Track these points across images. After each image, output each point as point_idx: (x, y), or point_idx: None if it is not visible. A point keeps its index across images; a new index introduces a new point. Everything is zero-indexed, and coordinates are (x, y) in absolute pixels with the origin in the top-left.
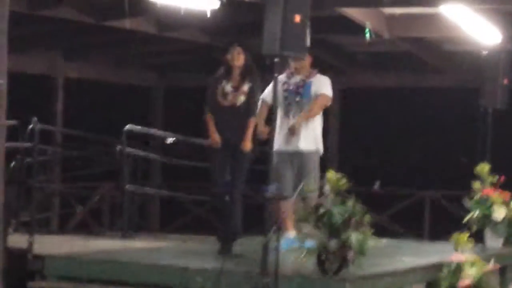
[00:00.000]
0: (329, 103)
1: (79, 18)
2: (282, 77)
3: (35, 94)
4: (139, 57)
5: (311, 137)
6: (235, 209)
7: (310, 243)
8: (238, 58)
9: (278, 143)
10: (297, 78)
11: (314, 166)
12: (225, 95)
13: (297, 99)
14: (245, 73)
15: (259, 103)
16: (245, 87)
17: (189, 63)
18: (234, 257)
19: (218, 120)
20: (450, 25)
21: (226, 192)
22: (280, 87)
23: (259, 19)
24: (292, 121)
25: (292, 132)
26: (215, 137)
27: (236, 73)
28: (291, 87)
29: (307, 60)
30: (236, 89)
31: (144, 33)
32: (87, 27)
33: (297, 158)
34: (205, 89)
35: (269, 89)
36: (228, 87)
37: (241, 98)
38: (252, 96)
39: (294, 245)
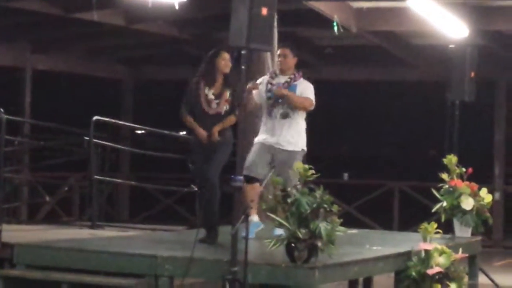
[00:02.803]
0: (311, 107)
1: (47, 10)
2: (265, 78)
3: (2, 86)
4: (108, 50)
5: (295, 138)
6: (213, 197)
7: (279, 231)
8: (229, 66)
9: (261, 137)
10: (281, 79)
11: (292, 165)
12: (209, 102)
13: (280, 100)
14: (226, 78)
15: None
16: (227, 94)
17: (158, 55)
18: (204, 245)
19: (199, 125)
20: (417, 19)
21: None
22: (263, 87)
23: (227, 12)
24: (275, 121)
25: (278, 91)
26: (201, 132)
27: (220, 78)
28: (274, 87)
29: (292, 61)
30: (219, 96)
31: (112, 26)
32: (55, 19)
33: (281, 154)
34: (175, 81)
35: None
36: (211, 94)
37: (225, 107)
38: (233, 102)
39: (258, 228)
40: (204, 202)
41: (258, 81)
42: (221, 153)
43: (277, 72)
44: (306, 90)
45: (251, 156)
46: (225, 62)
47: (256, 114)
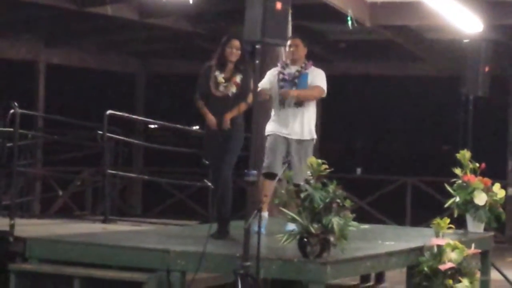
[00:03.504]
0: (323, 95)
1: (61, 4)
2: (276, 68)
3: (17, 80)
4: (121, 44)
5: (306, 127)
6: (226, 190)
7: (291, 226)
8: (236, 54)
9: (274, 127)
10: (292, 69)
11: (308, 154)
12: (217, 85)
13: (293, 89)
14: (238, 65)
15: (258, 90)
16: (237, 78)
17: (171, 50)
18: (216, 240)
19: (209, 109)
20: (431, 14)
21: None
22: (274, 78)
23: (241, 6)
24: (292, 112)
25: (285, 94)
26: (211, 118)
27: (231, 65)
28: (286, 77)
29: (303, 51)
30: (228, 80)
31: (126, 20)
32: (69, 13)
33: (295, 145)
34: (187, 76)
35: (266, 77)
36: (221, 78)
37: (233, 89)
38: (244, 87)
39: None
40: (217, 197)
41: (269, 72)
42: (234, 143)
43: (288, 62)
44: (316, 77)
45: (269, 154)
46: (230, 50)
47: (268, 106)
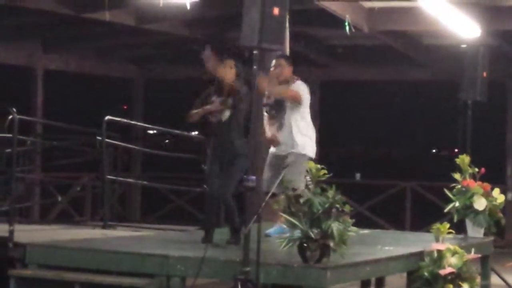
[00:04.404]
0: (298, 99)
1: (59, 10)
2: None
3: (15, 86)
4: (119, 49)
5: (291, 140)
6: (229, 208)
7: (271, 230)
8: (230, 73)
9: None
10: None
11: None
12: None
13: (274, 112)
14: (235, 86)
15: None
16: (230, 100)
17: (169, 55)
18: (216, 246)
19: (211, 134)
20: (429, 19)
21: (218, 194)
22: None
23: (238, 12)
24: (273, 130)
25: (261, 88)
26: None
27: (227, 86)
28: (270, 101)
29: (288, 70)
30: (225, 103)
31: (123, 26)
32: (67, 19)
33: (283, 160)
34: (186, 81)
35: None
36: (217, 103)
37: (227, 113)
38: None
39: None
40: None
41: None
42: (237, 168)
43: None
44: (296, 89)
45: (266, 174)
46: (224, 70)
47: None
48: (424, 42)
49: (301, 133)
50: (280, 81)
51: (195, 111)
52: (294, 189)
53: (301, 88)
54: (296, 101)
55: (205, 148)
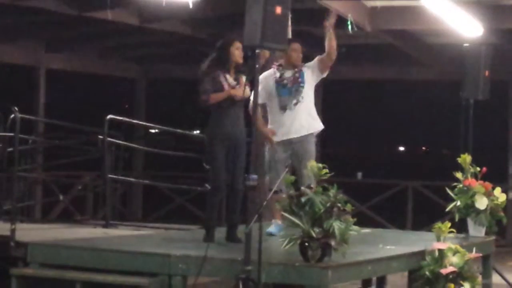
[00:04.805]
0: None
1: (62, 9)
2: (270, 73)
3: (17, 85)
4: (121, 49)
5: (305, 122)
6: (238, 200)
7: (272, 228)
8: (241, 55)
9: (277, 134)
10: (289, 73)
11: (307, 151)
12: (233, 88)
13: (299, 88)
14: (238, 66)
15: (250, 104)
16: (243, 79)
17: (171, 54)
18: (217, 244)
19: (225, 115)
20: (431, 18)
21: (227, 185)
22: (271, 83)
23: (241, 11)
24: (291, 113)
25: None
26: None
27: (232, 66)
28: (287, 83)
29: (299, 57)
30: (237, 81)
31: (126, 25)
32: (70, 18)
33: (296, 143)
34: (188, 81)
35: (261, 85)
36: (232, 80)
37: (248, 90)
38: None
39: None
40: (228, 207)
41: (262, 79)
42: (243, 156)
43: (283, 65)
44: (311, 61)
45: (270, 168)
46: (238, 51)
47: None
48: (426, 41)
49: (314, 111)
50: (292, 64)
51: (217, 94)
52: (310, 186)
53: (315, 60)
54: (332, 55)
55: (210, 130)
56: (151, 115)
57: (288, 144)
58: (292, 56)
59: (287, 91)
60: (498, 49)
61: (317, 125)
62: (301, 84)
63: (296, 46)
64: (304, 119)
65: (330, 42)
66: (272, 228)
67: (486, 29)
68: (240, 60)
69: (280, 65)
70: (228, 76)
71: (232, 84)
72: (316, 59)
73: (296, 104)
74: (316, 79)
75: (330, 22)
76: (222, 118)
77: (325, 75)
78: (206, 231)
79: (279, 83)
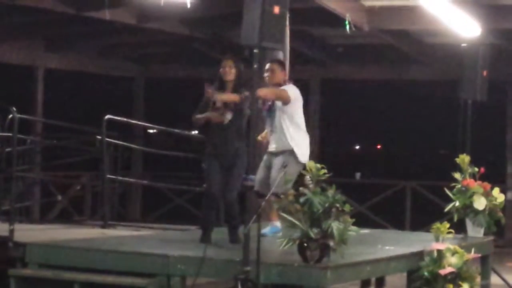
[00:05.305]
0: (283, 97)
1: (60, 8)
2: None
3: (15, 84)
4: (120, 48)
5: (283, 140)
6: (231, 208)
7: (267, 229)
8: (230, 73)
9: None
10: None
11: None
12: (215, 110)
13: (271, 115)
14: (238, 87)
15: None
16: (245, 93)
17: (169, 54)
18: (216, 245)
19: (212, 133)
20: (430, 18)
21: (219, 192)
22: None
23: (239, 10)
24: (272, 131)
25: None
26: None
27: (229, 86)
28: (266, 107)
29: (281, 75)
30: (226, 105)
31: (124, 24)
32: (68, 17)
33: (271, 157)
34: (186, 80)
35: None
36: (218, 103)
37: (229, 116)
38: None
39: (279, 232)
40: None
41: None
42: (239, 171)
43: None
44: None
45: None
46: (223, 70)
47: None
48: (424, 41)
49: (291, 137)
50: (273, 85)
51: (199, 116)
52: (276, 195)
53: (290, 87)
54: (282, 99)
55: (205, 147)
56: (150, 115)
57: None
58: (268, 77)
59: (266, 113)
60: (496, 49)
61: (283, 145)
62: (273, 112)
63: (270, 66)
64: (281, 139)
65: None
66: (265, 229)
67: (484, 29)
68: (229, 78)
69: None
70: (217, 96)
71: (217, 107)
72: None
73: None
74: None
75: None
76: (210, 138)
77: None
78: (203, 232)
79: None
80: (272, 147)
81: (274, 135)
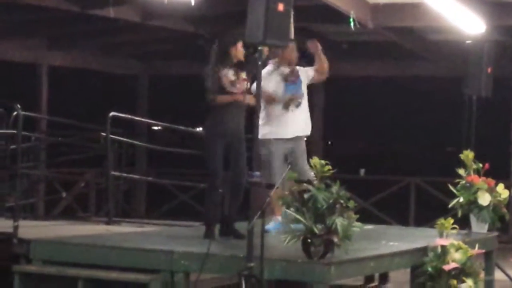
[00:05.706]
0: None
1: (64, 6)
2: (270, 70)
3: (20, 82)
4: (124, 46)
5: (305, 125)
6: (239, 194)
7: (271, 225)
8: (242, 52)
9: (272, 131)
10: (285, 70)
11: (303, 150)
12: (232, 83)
13: (300, 85)
14: (240, 64)
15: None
16: (243, 75)
17: (173, 51)
18: (220, 241)
19: (224, 110)
20: (434, 15)
21: (223, 182)
22: (278, 78)
23: (243, 8)
24: (290, 112)
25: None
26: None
27: (234, 64)
28: (293, 79)
29: (294, 55)
30: (238, 77)
31: (128, 22)
32: (72, 15)
33: (298, 142)
34: (190, 77)
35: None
36: (231, 75)
37: (246, 85)
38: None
39: (280, 228)
40: (230, 199)
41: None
42: (244, 153)
43: (278, 63)
44: (306, 68)
45: (268, 164)
46: (241, 50)
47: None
48: (428, 38)
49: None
50: (289, 62)
51: (225, 96)
52: (309, 181)
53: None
54: (325, 70)
55: (209, 126)
56: (154, 112)
57: (290, 143)
58: (291, 55)
59: (293, 87)
60: (500, 45)
61: (309, 129)
62: (298, 85)
63: (293, 45)
64: (306, 122)
65: (322, 64)
66: (269, 225)
67: (489, 25)
68: (242, 58)
69: (276, 64)
70: (229, 71)
71: (231, 79)
72: (312, 68)
73: (298, 105)
74: (305, 83)
75: (315, 45)
76: (222, 115)
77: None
78: (206, 227)
79: (286, 82)
80: (297, 129)
81: (300, 114)
